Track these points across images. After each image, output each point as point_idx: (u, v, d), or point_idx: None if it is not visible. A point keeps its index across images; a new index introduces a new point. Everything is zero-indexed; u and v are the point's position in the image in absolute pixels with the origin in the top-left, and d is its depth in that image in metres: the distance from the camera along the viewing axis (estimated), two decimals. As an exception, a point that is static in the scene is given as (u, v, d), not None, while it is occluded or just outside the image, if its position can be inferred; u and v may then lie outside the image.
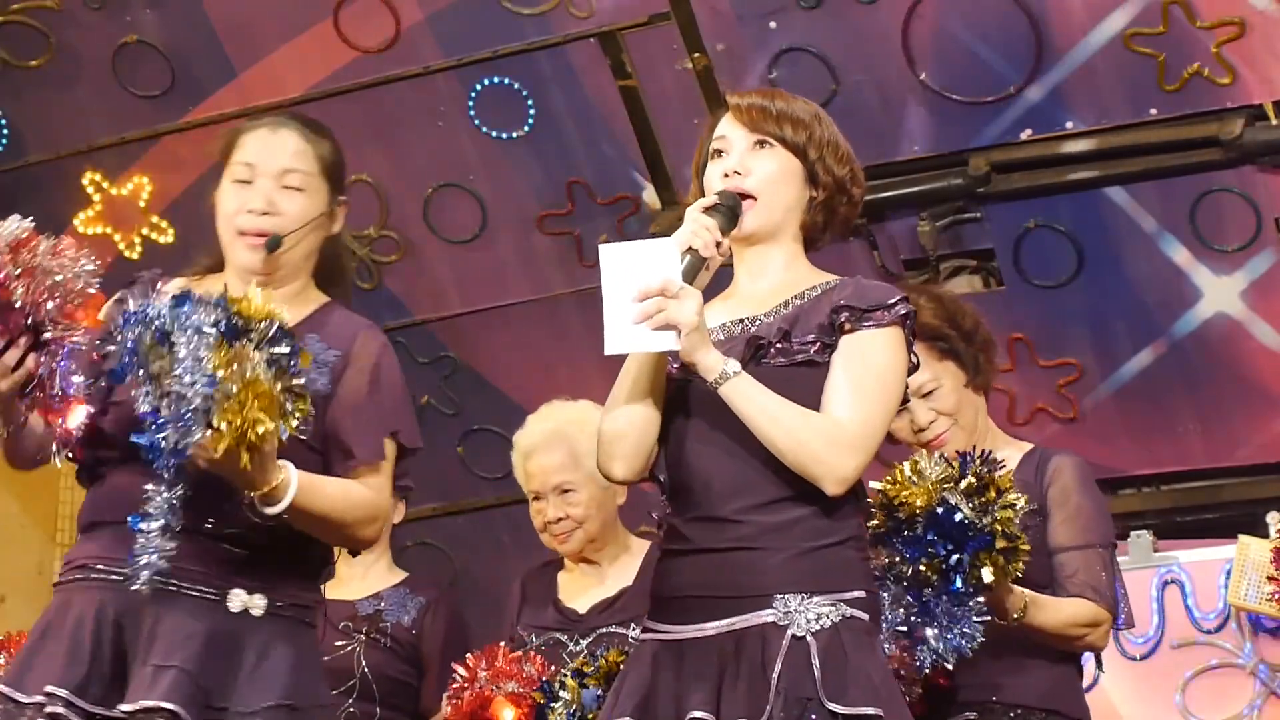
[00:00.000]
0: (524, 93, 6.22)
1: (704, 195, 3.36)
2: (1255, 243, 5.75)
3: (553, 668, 4.22)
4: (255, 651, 3.29)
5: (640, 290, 3.12)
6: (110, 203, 6.71)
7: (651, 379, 3.27)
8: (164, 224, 6.67)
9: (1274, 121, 5.61)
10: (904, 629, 3.54)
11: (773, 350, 3.24)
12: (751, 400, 3.17)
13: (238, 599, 3.28)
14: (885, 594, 3.52)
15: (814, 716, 3.07)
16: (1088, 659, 4.10)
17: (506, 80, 6.23)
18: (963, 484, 3.52)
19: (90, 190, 6.69)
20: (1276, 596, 5.22)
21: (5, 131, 6.69)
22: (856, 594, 3.19)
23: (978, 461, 3.56)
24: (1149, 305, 5.94)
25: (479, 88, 6.25)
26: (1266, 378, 5.90)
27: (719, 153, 3.38)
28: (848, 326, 3.24)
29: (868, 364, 3.23)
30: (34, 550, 7.07)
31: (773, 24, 5.88)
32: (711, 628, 3.17)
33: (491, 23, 6.12)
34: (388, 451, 3.43)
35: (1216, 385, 5.97)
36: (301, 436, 3.19)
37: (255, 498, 3.19)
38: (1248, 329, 5.86)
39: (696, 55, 5.97)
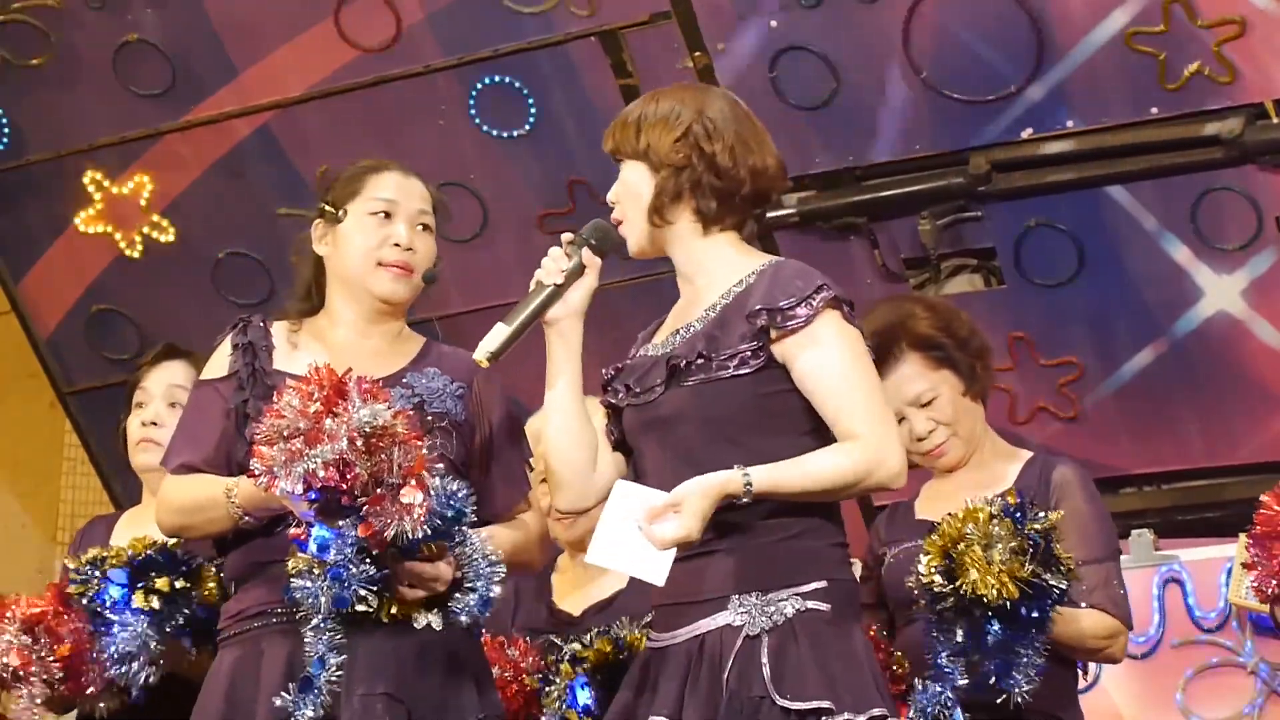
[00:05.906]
0: (525, 91, 6.22)
1: None
2: (1256, 242, 5.74)
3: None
4: (442, 664, 3.39)
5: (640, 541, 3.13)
6: (111, 201, 6.71)
7: (582, 417, 3.35)
8: (165, 223, 6.68)
9: (1275, 120, 5.61)
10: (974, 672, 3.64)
11: (693, 369, 3.23)
12: (785, 480, 3.15)
13: (421, 616, 3.33)
14: (940, 646, 3.63)
15: (765, 714, 3.08)
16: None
17: (507, 79, 6.23)
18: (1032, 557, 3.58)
19: (91, 189, 6.69)
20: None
21: (6, 130, 6.69)
22: (816, 585, 3.18)
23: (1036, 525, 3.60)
24: (1150, 304, 5.94)
25: (479, 87, 6.25)
26: (1267, 377, 5.89)
27: None
28: (775, 334, 3.20)
29: (830, 359, 3.20)
30: (34, 550, 7.08)
31: (773, 23, 5.88)
32: (681, 634, 3.22)
33: (492, 21, 6.12)
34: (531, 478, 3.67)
35: (1217, 384, 5.96)
36: (451, 458, 3.44)
37: None
38: (1249, 328, 5.86)
39: (697, 54, 5.97)
